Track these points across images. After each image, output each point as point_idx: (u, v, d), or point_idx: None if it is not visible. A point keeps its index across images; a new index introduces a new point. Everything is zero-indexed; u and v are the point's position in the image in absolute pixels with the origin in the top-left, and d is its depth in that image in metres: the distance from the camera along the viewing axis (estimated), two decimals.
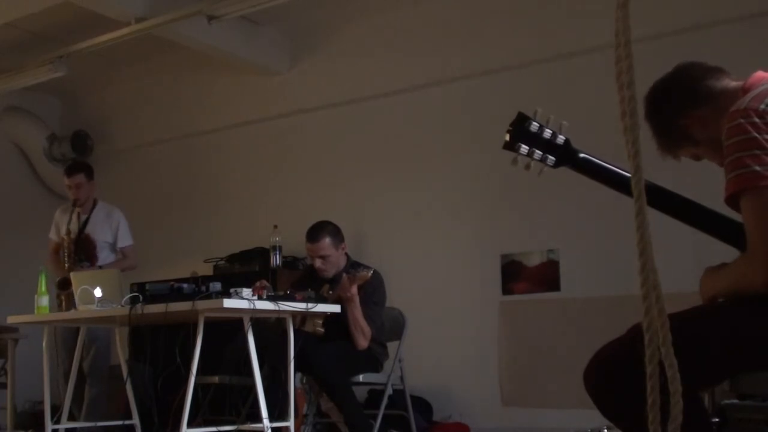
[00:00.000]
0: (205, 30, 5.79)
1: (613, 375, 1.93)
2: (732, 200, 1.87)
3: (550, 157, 2.12)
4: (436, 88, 6.08)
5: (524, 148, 2.10)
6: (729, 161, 1.86)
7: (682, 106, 2.12)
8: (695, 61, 2.18)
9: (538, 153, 2.11)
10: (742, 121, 1.85)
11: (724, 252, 2.03)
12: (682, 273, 3.86)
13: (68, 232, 5.44)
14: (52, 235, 5.70)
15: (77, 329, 5.29)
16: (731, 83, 2.10)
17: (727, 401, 2.88)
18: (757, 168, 1.80)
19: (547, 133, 2.11)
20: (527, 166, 2.14)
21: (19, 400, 6.08)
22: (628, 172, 1.95)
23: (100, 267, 5.48)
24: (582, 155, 2.13)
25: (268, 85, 6.89)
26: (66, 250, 5.41)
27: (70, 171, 5.62)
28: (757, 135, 1.83)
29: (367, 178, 6.37)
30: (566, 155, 2.12)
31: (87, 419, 5.30)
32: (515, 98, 5.73)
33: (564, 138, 2.12)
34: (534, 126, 2.11)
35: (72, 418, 5.46)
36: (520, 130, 2.11)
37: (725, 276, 1.95)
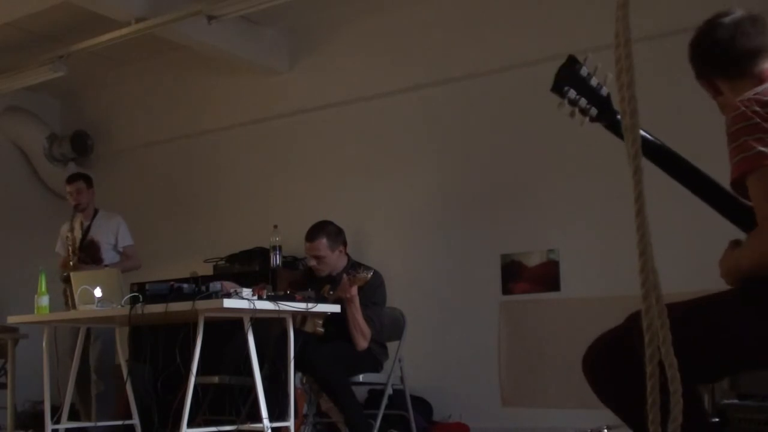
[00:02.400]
0: (205, 30, 5.79)
1: (612, 360, 1.94)
2: (738, 184, 1.88)
3: (593, 108, 2.07)
4: (436, 88, 6.08)
5: (572, 93, 2.04)
6: (734, 146, 1.89)
7: (723, 72, 2.14)
8: (760, 23, 2.15)
9: (583, 101, 2.05)
10: (744, 109, 1.89)
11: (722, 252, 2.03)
12: (682, 273, 3.87)
13: (71, 229, 5.76)
14: (59, 250, 5.96)
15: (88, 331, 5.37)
16: (765, 64, 2.11)
17: (727, 401, 2.88)
18: (762, 149, 1.82)
19: (594, 81, 2.07)
20: (572, 114, 2.09)
21: (19, 400, 6.07)
22: (657, 139, 1.95)
23: (106, 266, 5.62)
24: (619, 117, 2.11)
25: (268, 85, 6.89)
26: (71, 248, 5.70)
27: (71, 179, 5.96)
28: (759, 120, 1.86)
29: (367, 177, 6.36)
30: (606, 110, 2.08)
31: (99, 416, 5.33)
32: (516, 98, 5.73)
33: (607, 92, 2.08)
34: (584, 71, 2.06)
35: (77, 417, 5.49)
36: (569, 72, 2.05)
37: (747, 255, 1.93)
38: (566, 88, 2.01)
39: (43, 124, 7.87)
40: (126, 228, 5.93)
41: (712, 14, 2.18)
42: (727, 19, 2.16)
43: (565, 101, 2.04)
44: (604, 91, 2.05)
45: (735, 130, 1.89)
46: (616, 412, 2.00)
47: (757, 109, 1.87)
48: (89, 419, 5.46)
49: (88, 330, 5.40)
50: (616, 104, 2.09)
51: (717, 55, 2.14)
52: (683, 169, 2.04)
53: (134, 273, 5.97)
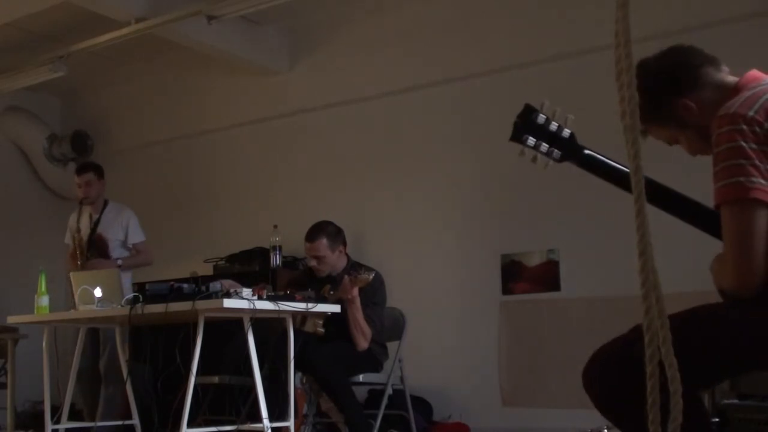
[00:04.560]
0: (205, 30, 5.79)
1: (613, 374, 1.93)
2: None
3: (556, 150, 2.11)
4: (436, 88, 6.08)
5: (531, 140, 2.10)
6: (717, 170, 1.87)
7: (684, 86, 2.08)
8: (693, 46, 2.16)
9: (544, 146, 2.10)
10: (729, 128, 1.86)
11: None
12: (682, 273, 3.86)
13: (78, 230, 5.58)
14: (68, 240, 5.79)
15: (94, 330, 5.37)
16: (727, 77, 2.09)
17: (727, 401, 2.89)
18: (741, 179, 1.81)
19: (553, 126, 2.11)
20: (534, 159, 2.14)
21: (19, 400, 6.08)
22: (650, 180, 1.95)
23: (118, 259, 5.53)
24: (586, 151, 2.13)
25: (268, 85, 6.89)
26: (78, 248, 5.55)
27: (81, 169, 5.75)
28: (743, 143, 1.83)
29: (367, 178, 6.36)
30: (571, 150, 2.12)
31: (104, 418, 5.31)
32: (515, 98, 5.69)
33: (569, 132, 2.12)
34: (541, 118, 2.10)
35: (79, 417, 5.48)
36: (526, 122, 2.11)
37: (714, 268, 1.98)
38: (525, 137, 2.07)
39: (43, 124, 7.87)
40: (136, 223, 5.72)
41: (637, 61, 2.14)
42: (662, 54, 2.15)
43: (525, 149, 2.09)
44: (566, 133, 2.10)
45: (719, 152, 1.87)
46: (617, 425, 2.00)
47: (743, 127, 1.84)
48: (93, 420, 5.44)
49: (99, 333, 5.40)
50: (584, 141, 2.12)
51: (682, 71, 2.10)
52: (671, 199, 2.04)
53: (135, 273, 5.93)
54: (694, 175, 2.48)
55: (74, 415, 5.43)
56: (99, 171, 5.73)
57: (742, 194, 1.81)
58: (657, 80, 2.10)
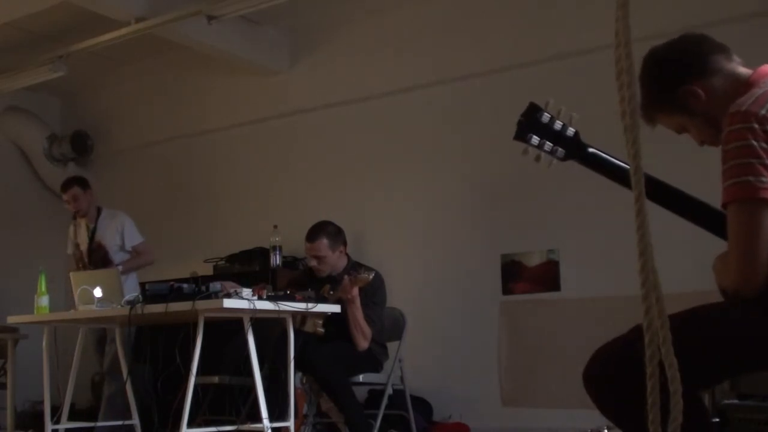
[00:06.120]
0: (205, 30, 5.79)
1: (613, 374, 1.93)
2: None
3: (560, 149, 2.11)
4: (436, 88, 6.08)
5: (535, 139, 2.10)
6: (725, 168, 1.85)
7: (693, 73, 2.05)
8: (704, 34, 2.13)
9: (548, 145, 2.10)
10: (740, 126, 1.83)
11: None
12: (682, 273, 3.87)
13: (77, 246, 5.65)
14: (70, 251, 5.84)
15: (101, 337, 5.40)
16: (739, 68, 2.06)
17: (727, 401, 2.89)
18: (750, 178, 1.79)
19: (558, 124, 2.10)
20: (537, 158, 2.13)
21: (19, 400, 6.08)
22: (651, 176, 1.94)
23: (118, 266, 5.52)
24: (590, 150, 2.12)
25: (268, 85, 6.89)
26: (80, 263, 5.63)
27: (64, 186, 5.74)
28: (754, 142, 1.81)
29: (367, 178, 6.36)
30: (575, 148, 2.11)
31: (105, 416, 5.32)
32: (515, 98, 5.70)
33: (574, 130, 2.11)
34: (545, 117, 2.10)
35: (80, 417, 5.48)
36: (531, 121, 2.10)
37: (717, 267, 1.97)
38: (529, 136, 2.08)
39: (43, 124, 7.87)
40: (131, 225, 5.72)
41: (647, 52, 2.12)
42: (670, 42, 2.12)
43: (529, 148, 2.09)
44: (570, 131, 2.10)
45: (728, 150, 1.85)
46: (617, 424, 1.99)
47: (755, 126, 1.82)
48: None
49: (105, 332, 5.40)
50: (586, 139, 2.12)
51: (690, 57, 2.07)
52: (674, 197, 2.04)
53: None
54: (697, 157, 2.48)
55: (74, 415, 5.43)
56: (82, 183, 5.73)
57: (751, 194, 1.79)
58: (665, 67, 2.08)
